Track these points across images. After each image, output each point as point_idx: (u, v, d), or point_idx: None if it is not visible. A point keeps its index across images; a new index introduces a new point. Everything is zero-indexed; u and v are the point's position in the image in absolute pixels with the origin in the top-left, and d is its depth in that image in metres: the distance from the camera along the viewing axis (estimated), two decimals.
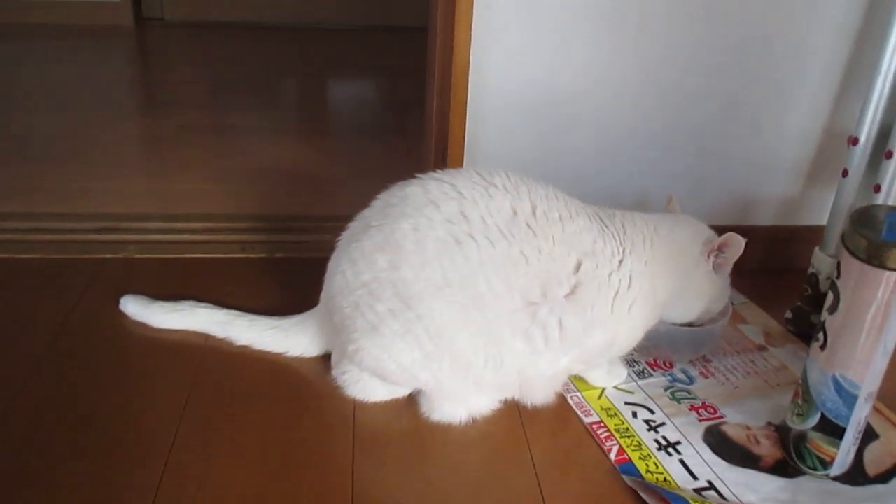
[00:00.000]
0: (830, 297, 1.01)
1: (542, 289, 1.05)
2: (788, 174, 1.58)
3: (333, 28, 3.22)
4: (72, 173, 1.82)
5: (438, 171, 1.12)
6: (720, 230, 1.20)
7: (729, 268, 1.21)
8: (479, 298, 1.04)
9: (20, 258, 1.49)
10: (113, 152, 1.97)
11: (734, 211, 1.60)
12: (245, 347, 1.26)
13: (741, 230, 1.17)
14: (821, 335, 1.03)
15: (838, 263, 1.00)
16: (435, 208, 1.05)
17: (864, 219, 1.00)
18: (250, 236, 1.59)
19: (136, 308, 1.31)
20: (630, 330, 1.14)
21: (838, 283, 1.00)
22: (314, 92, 2.66)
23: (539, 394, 1.15)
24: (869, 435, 1.16)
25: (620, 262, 1.10)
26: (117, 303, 1.32)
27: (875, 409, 1.20)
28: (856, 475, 1.09)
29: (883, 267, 0.94)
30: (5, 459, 1.03)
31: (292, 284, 1.31)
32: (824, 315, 1.03)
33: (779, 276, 1.57)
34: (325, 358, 1.24)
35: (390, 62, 2.92)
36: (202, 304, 1.30)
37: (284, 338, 1.25)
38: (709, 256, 1.18)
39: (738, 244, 1.16)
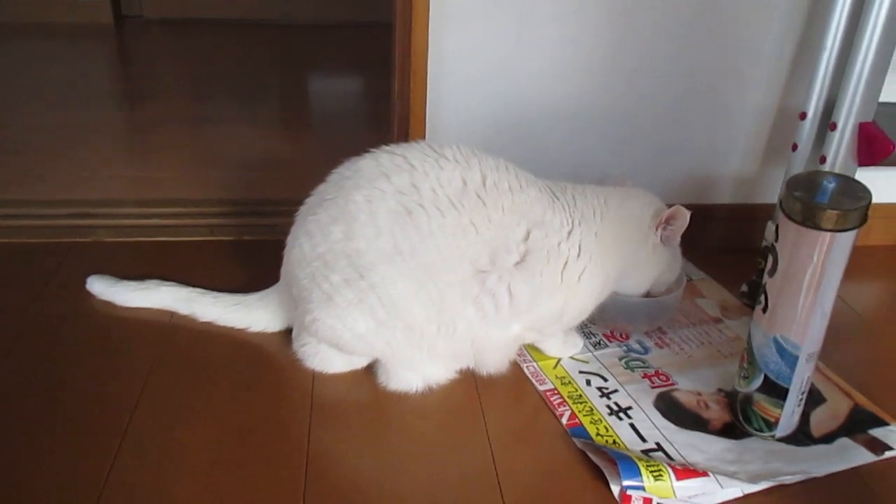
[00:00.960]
0: (770, 260, 1.04)
1: (491, 257, 1.08)
2: (745, 153, 1.61)
3: (311, 24, 3.24)
4: (48, 163, 1.84)
5: (391, 145, 1.14)
6: None
7: (677, 240, 1.23)
8: (430, 267, 1.07)
9: None
10: (90, 143, 1.99)
11: (693, 191, 1.62)
12: (209, 324, 1.28)
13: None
14: (762, 298, 1.06)
15: (776, 227, 1.03)
16: (387, 180, 1.08)
17: (800, 184, 1.03)
18: (220, 220, 1.60)
19: (102, 287, 1.33)
20: (580, 299, 1.17)
21: (777, 245, 1.03)
22: (291, 85, 2.68)
23: (492, 362, 1.17)
24: (816, 400, 1.19)
25: (570, 232, 1.13)
26: (85, 283, 1.34)
27: (822, 373, 1.24)
28: (801, 436, 1.12)
29: (817, 228, 0.97)
30: None
31: (260, 265, 1.33)
32: (765, 278, 1.06)
33: (738, 254, 1.59)
34: (287, 333, 1.26)
35: (366, 57, 2.94)
36: (167, 283, 1.32)
37: (247, 313, 1.28)
38: (657, 229, 1.21)
39: (683, 217, 1.19)
